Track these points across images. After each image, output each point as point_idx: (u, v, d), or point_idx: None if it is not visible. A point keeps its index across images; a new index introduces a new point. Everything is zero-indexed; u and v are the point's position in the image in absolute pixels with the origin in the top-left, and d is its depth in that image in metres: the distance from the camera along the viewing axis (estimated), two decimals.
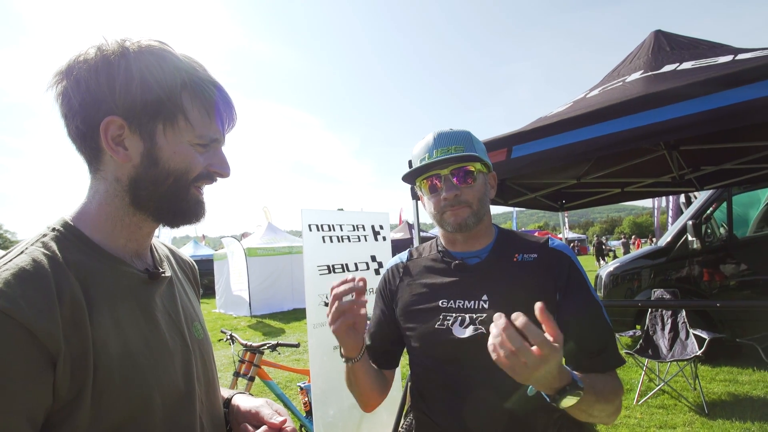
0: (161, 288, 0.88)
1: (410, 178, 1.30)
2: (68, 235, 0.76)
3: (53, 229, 0.77)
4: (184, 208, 0.85)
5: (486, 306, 1.18)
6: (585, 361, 1.16)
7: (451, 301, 1.23)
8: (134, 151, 0.78)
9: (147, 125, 0.77)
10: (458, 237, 1.30)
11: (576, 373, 0.96)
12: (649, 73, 2.99)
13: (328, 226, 3.27)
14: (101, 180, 0.81)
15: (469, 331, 1.17)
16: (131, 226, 0.83)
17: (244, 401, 0.98)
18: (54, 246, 0.73)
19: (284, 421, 0.87)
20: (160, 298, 0.87)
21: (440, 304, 1.24)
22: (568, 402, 0.93)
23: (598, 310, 1.19)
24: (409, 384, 1.37)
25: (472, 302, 1.20)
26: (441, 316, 1.22)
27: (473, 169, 1.24)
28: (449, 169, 1.23)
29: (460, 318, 1.20)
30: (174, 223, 0.86)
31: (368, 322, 1.44)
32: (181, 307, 0.91)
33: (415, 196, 3.61)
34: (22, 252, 0.70)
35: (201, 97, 0.81)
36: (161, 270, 0.89)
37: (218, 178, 0.89)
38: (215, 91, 0.83)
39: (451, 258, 1.31)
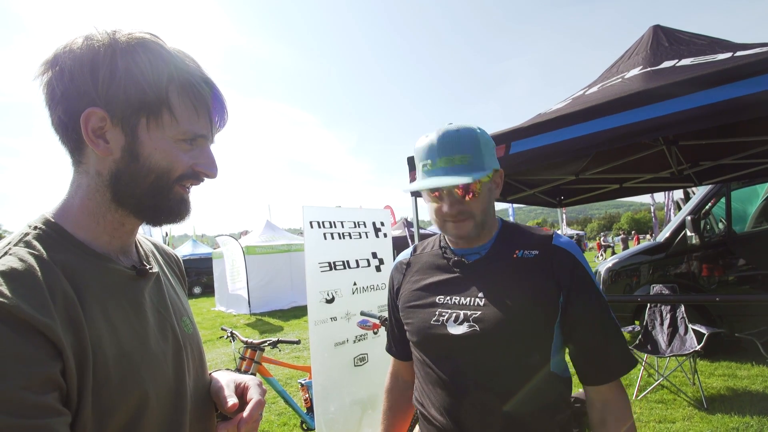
0: (149, 284, 0.85)
1: (417, 193, 1.27)
2: (51, 233, 0.74)
3: (35, 228, 0.74)
4: (167, 207, 0.82)
5: (481, 303, 1.17)
6: (588, 368, 1.17)
7: (448, 297, 1.22)
8: (115, 145, 0.75)
9: (129, 119, 0.74)
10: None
11: None
12: (648, 69, 2.99)
13: (330, 223, 3.27)
14: (83, 174, 0.78)
15: (462, 328, 1.16)
16: (114, 223, 0.80)
17: (216, 379, 0.95)
18: (38, 245, 0.71)
19: (234, 405, 0.84)
20: (149, 294, 0.84)
21: (437, 300, 1.24)
22: None
23: (606, 313, 1.16)
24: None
25: (468, 299, 1.19)
26: (437, 312, 1.22)
27: (479, 181, 1.14)
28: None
29: (455, 314, 1.19)
30: (156, 221, 0.84)
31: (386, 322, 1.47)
32: (170, 302, 0.89)
33: (415, 193, 3.62)
34: (5, 253, 0.68)
35: (189, 92, 0.77)
36: (148, 266, 0.86)
37: (205, 179, 0.85)
38: (205, 87, 0.79)
39: (451, 254, 1.30)
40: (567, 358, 1.21)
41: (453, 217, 1.17)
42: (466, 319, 1.16)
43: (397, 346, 1.47)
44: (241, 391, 0.91)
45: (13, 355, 0.58)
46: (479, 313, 1.15)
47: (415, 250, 1.43)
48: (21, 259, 0.66)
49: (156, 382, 0.76)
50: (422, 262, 1.36)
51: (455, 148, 1.13)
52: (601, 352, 1.15)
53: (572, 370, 1.24)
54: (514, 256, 1.21)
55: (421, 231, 3.60)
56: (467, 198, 1.16)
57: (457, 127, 1.16)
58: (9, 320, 0.59)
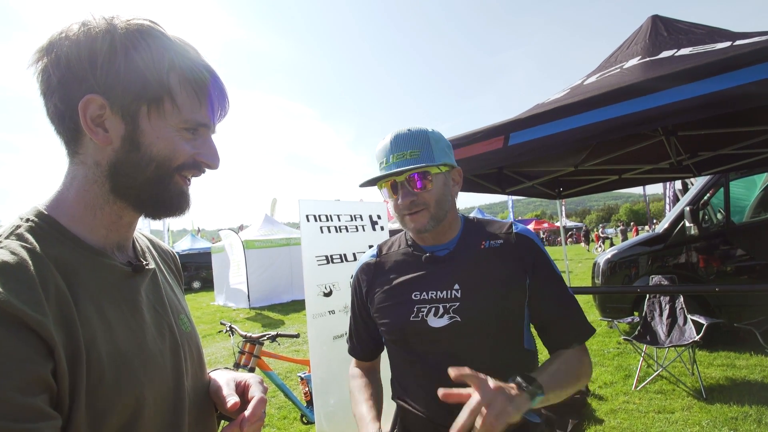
0: (145, 281, 0.83)
1: (369, 184, 1.30)
2: (44, 226, 0.71)
3: (27, 220, 0.71)
4: (166, 198, 0.79)
5: (458, 295, 1.22)
6: (556, 336, 1.26)
7: (424, 293, 1.25)
8: (115, 134, 0.72)
9: (130, 106, 0.72)
10: (425, 234, 1.30)
11: (531, 385, 1.00)
12: (647, 59, 2.97)
13: (326, 216, 3.26)
14: (80, 164, 0.75)
15: (444, 321, 1.21)
16: (111, 216, 0.77)
17: (215, 379, 0.93)
18: (30, 238, 0.67)
19: (236, 404, 0.82)
20: (145, 291, 0.82)
21: (413, 297, 1.26)
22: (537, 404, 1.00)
23: (564, 286, 1.27)
24: (390, 376, 1.41)
25: (445, 292, 1.23)
26: (415, 309, 1.25)
27: (429, 172, 1.23)
28: (405, 175, 1.22)
29: (434, 308, 1.23)
30: (155, 213, 0.81)
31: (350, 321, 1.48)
32: (167, 300, 0.87)
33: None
34: None
35: (190, 80, 0.75)
36: (145, 262, 0.84)
37: (206, 169, 0.83)
38: (207, 75, 0.77)
39: (421, 252, 1.33)
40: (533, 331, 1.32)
41: (408, 208, 1.23)
42: (446, 311, 1.22)
43: (362, 348, 1.47)
44: (241, 390, 0.89)
45: (3, 353, 0.55)
46: (458, 304, 1.21)
47: (380, 250, 1.44)
48: (12, 252, 0.63)
49: (153, 382, 0.74)
50: (391, 262, 1.38)
51: (406, 144, 1.22)
52: (564, 319, 1.25)
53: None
54: (482, 246, 1.29)
55: None
56: (424, 186, 1.22)
57: (408, 128, 1.25)
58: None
